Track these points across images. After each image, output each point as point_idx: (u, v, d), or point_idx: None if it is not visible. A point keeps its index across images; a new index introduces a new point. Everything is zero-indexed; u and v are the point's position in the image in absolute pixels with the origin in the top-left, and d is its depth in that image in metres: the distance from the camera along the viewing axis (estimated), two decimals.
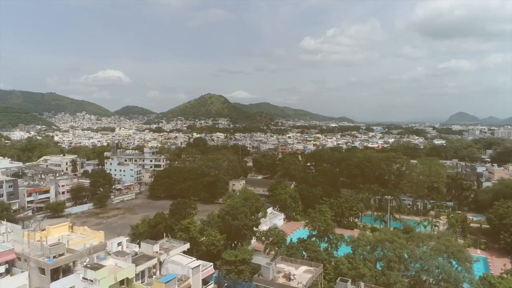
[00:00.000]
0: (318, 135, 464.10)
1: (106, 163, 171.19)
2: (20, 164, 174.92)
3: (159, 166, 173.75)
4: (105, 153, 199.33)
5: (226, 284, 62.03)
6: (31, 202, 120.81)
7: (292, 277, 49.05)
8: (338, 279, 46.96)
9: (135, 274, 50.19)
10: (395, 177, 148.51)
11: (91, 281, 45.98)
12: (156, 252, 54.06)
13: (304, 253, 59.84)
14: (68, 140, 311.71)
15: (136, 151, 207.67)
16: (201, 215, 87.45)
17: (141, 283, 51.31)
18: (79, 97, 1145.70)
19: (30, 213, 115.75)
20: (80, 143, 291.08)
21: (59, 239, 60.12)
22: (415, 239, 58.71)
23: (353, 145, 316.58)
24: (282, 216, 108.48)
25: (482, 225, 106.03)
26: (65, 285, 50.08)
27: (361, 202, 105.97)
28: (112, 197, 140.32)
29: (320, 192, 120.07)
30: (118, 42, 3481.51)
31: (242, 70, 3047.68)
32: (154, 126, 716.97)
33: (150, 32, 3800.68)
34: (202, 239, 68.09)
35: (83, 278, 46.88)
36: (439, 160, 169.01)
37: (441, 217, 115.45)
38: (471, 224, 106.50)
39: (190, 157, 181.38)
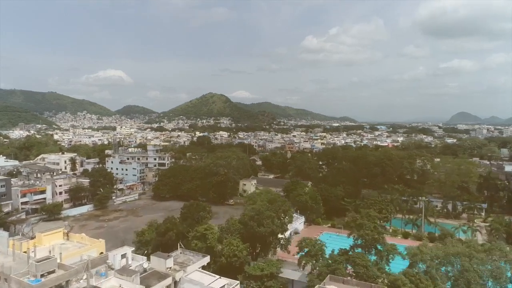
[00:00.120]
0: (323, 134, 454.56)
1: (107, 161, 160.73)
2: (16, 162, 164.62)
3: (163, 164, 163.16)
4: (106, 151, 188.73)
5: None
6: (25, 203, 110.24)
7: None
8: None
9: None
10: (418, 176, 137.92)
11: None
12: (170, 268, 43.46)
13: (348, 266, 49.09)
14: (68, 139, 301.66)
15: (139, 149, 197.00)
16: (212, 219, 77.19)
17: None
18: (80, 96, 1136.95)
19: (23, 215, 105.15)
20: (80, 141, 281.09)
21: (50, 251, 49.51)
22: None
23: (362, 143, 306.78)
24: (302, 219, 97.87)
25: None
26: None
27: (391, 204, 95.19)
28: (113, 197, 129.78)
29: (342, 192, 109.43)
30: (118, 42, 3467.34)
31: (243, 70, 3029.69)
32: (155, 125, 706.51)
33: (151, 32, 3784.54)
34: (219, 247, 57.37)
35: None
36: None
37: (475, 220, 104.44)
38: None
39: (196, 155, 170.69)
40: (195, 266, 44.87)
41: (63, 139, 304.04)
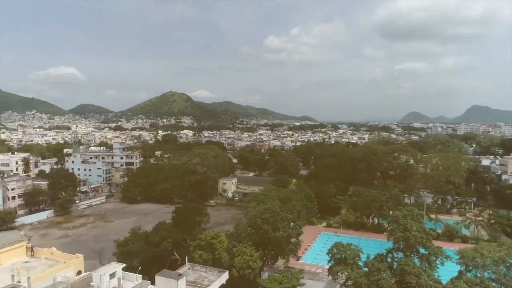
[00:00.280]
0: (290, 132, 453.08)
1: (67, 161, 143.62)
2: None
3: (131, 164, 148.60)
4: (66, 150, 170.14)
5: None
6: None
7: None
8: None
9: None
10: (401, 171, 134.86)
11: None
12: None
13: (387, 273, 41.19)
14: (17, 138, 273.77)
15: (103, 147, 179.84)
16: None
17: None
18: (28, 94, 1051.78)
19: None
20: (32, 141, 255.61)
21: (13, 274, 37.29)
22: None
23: (330, 141, 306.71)
24: None
25: None
26: None
27: (390, 201, 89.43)
28: (77, 201, 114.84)
29: (334, 189, 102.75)
30: (71, 37, 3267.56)
31: (205, 68, 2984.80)
32: (113, 125, 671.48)
33: (108, 27, 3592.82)
34: (226, 258, 47.47)
35: None
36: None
37: (466, 215, 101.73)
38: None
39: (168, 154, 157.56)
40: (215, 286, 34.85)
41: (12, 138, 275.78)
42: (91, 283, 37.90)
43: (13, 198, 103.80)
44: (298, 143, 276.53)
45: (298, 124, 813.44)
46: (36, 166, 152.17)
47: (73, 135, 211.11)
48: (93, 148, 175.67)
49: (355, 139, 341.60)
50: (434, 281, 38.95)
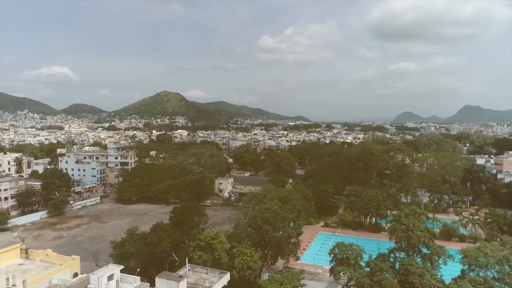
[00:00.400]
0: (284, 132, 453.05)
1: (61, 161, 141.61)
2: None
3: (126, 164, 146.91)
4: (59, 150, 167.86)
5: None
6: None
7: None
8: None
9: None
10: (396, 170, 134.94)
11: None
12: None
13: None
14: (9, 138, 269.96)
15: (97, 147, 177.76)
16: None
17: None
18: (20, 94, 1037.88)
19: None
20: (24, 141, 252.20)
21: (8, 277, 36.22)
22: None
23: (325, 141, 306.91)
24: None
25: None
26: None
27: (388, 200, 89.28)
28: (71, 202, 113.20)
29: (331, 189, 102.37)
30: (64, 36, 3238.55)
31: (199, 68, 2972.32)
32: (106, 124, 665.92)
33: (102, 27, 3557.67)
34: (226, 259, 46.70)
35: None
36: None
37: (463, 213, 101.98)
38: None
39: (164, 153, 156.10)
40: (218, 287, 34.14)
41: (3, 138, 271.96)
42: (88, 286, 36.88)
43: (6, 199, 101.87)
44: (294, 143, 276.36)
45: (293, 124, 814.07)
46: (29, 166, 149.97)
47: (66, 135, 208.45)
48: (87, 148, 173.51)
49: (349, 138, 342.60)
50: (437, 281, 38.57)
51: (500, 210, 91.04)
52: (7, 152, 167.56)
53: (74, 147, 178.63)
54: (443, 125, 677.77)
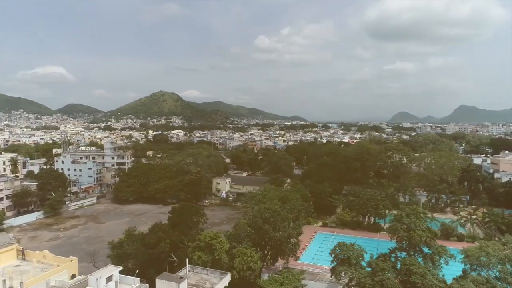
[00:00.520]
0: (281, 132, 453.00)
1: (57, 161, 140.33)
2: None
3: (123, 164, 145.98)
4: (55, 150, 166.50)
5: None
6: None
7: None
8: None
9: None
10: (394, 170, 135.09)
11: None
12: None
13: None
14: (4, 138, 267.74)
15: (93, 147, 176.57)
16: None
17: None
18: (15, 94, 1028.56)
19: None
20: (19, 141, 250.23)
21: (5, 279, 35.59)
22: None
23: (322, 140, 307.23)
24: None
25: None
26: None
27: (386, 200, 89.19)
28: (67, 202, 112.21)
29: (329, 189, 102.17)
30: (59, 36, 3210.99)
31: (196, 68, 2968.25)
32: (102, 124, 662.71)
33: (99, 26, 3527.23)
34: (226, 259, 46.24)
35: None
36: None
37: (460, 213, 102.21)
38: None
39: (161, 153, 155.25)
40: None
41: None
42: (86, 287, 36.47)
43: (1, 199, 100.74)
44: (291, 143, 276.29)
45: (289, 124, 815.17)
46: (24, 166, 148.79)
47: (62, 135, 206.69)
48: (83, 148, 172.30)
49: (346, 138, 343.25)
50: (438, 281, 38.36)
51: (498, 210, 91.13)
52: (2, 152, 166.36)
53: (70, 147, 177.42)
54: (439, 125, 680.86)
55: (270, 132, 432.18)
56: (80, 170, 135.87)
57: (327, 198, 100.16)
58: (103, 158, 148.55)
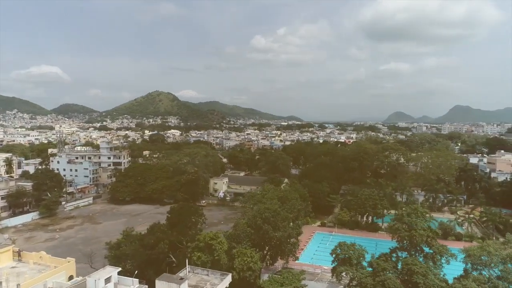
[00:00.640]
0: (278, 132, 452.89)
1: (52, 161, 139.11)
2: None
3: (119, 164, 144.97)
4: (51, 150, 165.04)
5: None
6: None
7: None
8: None
9: None
10: (391, 169, 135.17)
11: None
12: None
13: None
14: None
15: (89, 147, 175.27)
16: None
17: None
18: (9, 94, 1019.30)
19: None
20: (14, 141, 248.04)
21: (1, 281, 34.91)
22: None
23: (319, 140, 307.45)
24: None
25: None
26: None
27: (385, 199, 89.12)
28: (63, 203, 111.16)
29: (327, 188, 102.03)
30: (54, 35, 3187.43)
31: (191, 68, 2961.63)
32: (97, 124, 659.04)
33: (94, 26, 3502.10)
34: (225, 260, 45.77)
35: None
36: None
37: (458, 212, 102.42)
38: None
39: (157, 153, 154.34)
40: None
41: None
42: None
43: None
44: (287, 143, 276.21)
45: (285, 124, 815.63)
46: (19, 166, 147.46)
47: (58, 135, 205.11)
48: (78, 148, 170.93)
49: (343, 138, 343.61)
50: (440, 280, 38.16)
51: (495, 209, 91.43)
52: None
53: (66, 147, 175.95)
54: (434, 125, 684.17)
55: (267, 132, 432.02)
56: (76, 170, 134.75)
57: (325, 197, 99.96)
58: (99, 158, 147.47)
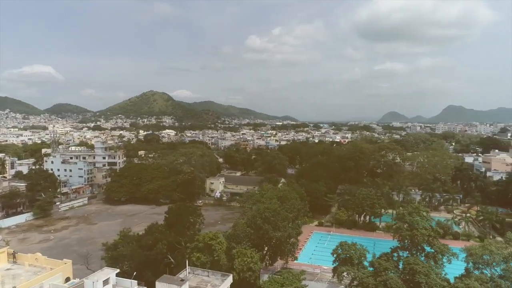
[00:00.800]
0: (273, 131, 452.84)
1: (46, 161, 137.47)
2: None
3: (114, 164, 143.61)
4: (44, 150, 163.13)
5: None
6: None
7: None
8: None
9: None
10: (387, 169, 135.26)
11: None
12: None
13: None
14: None
15: (83, 147, 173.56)
16: None
17: None
18: (1, 93, 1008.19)
19: None
20: (7, 141, 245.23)
21: None
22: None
23: (314, 140, 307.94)
24: None
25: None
26: None
27: (382, 198, 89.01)
28: (57, 203, 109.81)
29: (324, 188, 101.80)
30: (48, 35, 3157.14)
31: (186, 68, 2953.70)
32: (91, 124, 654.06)
33: (89, 26, 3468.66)
34: (224, 260, 45.23)
35: None
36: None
37: (454, 211, 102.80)
38: None
39: (153, 153, 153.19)
40: None
41: None
42: None
43: None
44: (283, 142, 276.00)
45: (280, 123, 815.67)
46: (12, 167, 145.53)
47: (52, 135, 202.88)
48: (73, 148, 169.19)
49: (338, 138, 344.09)
50: (442, 280, 37.94)
51: (491, 208, 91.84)
52: None
53: (60, 147, 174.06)
54: (428, 125, 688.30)
55: (262, 132, 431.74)
56: (71, 170, 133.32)
57: (322, 197, 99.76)
58: (94, 158, 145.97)
